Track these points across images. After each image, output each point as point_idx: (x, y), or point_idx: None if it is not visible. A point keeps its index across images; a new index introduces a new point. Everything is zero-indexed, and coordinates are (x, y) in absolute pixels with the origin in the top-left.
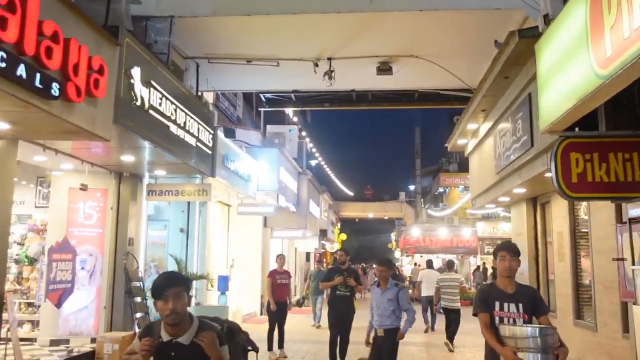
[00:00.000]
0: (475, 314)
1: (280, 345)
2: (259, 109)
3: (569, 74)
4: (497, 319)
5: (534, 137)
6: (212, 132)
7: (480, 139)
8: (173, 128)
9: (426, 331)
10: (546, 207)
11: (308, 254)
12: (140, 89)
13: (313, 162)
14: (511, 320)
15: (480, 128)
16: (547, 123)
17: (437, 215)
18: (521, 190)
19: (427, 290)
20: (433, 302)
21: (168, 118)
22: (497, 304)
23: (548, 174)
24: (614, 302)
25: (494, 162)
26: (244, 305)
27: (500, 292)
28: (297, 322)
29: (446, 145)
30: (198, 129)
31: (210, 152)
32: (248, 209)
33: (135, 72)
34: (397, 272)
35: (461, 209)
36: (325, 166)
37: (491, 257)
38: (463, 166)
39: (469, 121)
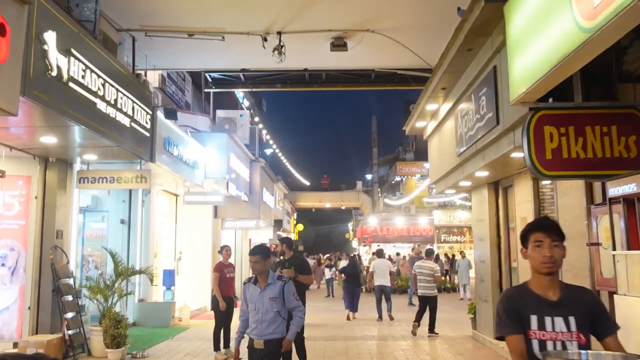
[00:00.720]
0: (500, 337)
1: (227, 344)
2: (206, 90)
3: (545, 34)
4: (535, 343)
5: (499, 114)
6: (150, 112)
7: (440, 120)
8: (101, 105)
9: (379, 320)
10: (509, 191)
11: None
12: (56, 57)
13: (268, 151)
14: (558, 345)
15: (440, 109)
16: (519, 93)
17: (394, 204)
18: (483, 174)
19: (379, 280)
20: (385, 292)
21: (94, 93)
22: (533, 318)
23: (515, 154)
24: None
25: (454, 145)
26: (193, 301)
27: (537, 300)
28: None
29: (404, 128)
30: (133, 108)
31: (148, 134)
32: (195, 198)
33: (50, 37)
34: (357, 263)
35: (418, 197)
36: (280, 155)
37: (447, 245)
38: (420, 155)
39: (428, 101)
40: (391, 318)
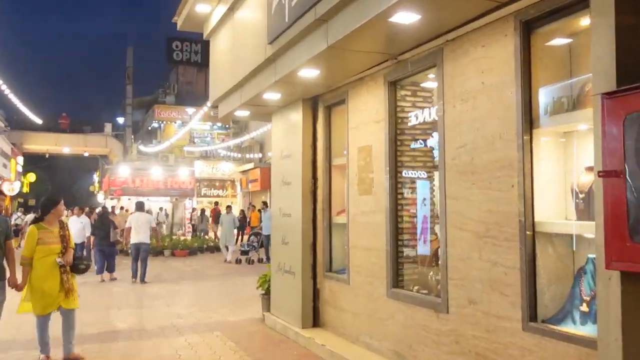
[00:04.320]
0: None
1: None
2: None
3: None
4: None
5: None
6: None
7: None
8: None
9: (133, 279)
10: (334, 111)
11: None
12: None
13: None
14: None
15: None
16: None
17: (150, 152)
18: (310, 73)
19: (137, 236)
20: (142, 250)
21: None
22: None
23: (401, 16)
24: (498, 263)
25: (263, 31)
26: None
27: None
28: None
29: (175, 19)
30: None
31: None
32: None
33: None
34: (108, 218)
35: (178, 146)
36: None
37: (208, 200)
38: (182, 98)
39: None
40: (142, 281)
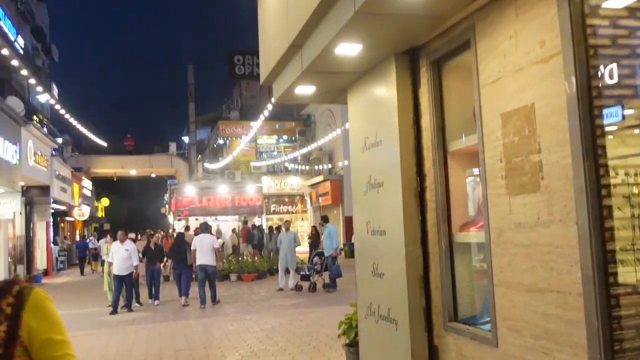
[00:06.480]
0: None
1: None
2: None
3: None
4: None
5: None
6: None
7: None
8: None
9: (202, 307)
10: (448, 67)
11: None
12: None
13: (43, 98)
14: None
15: None
16: None
17: (215, 168)
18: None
19: (202, 258)
20: (209, 273)
21: None
22: None
23: None
24: None
25: None
26: None
27: None
28: None
29: None
30: None
31: None
32: None
33: None
34: (184, 240)
35: (244, 162)
36: (60, 109)
37: (277, 216)
38: (246, 113)
39: None
40: (214, 302)
